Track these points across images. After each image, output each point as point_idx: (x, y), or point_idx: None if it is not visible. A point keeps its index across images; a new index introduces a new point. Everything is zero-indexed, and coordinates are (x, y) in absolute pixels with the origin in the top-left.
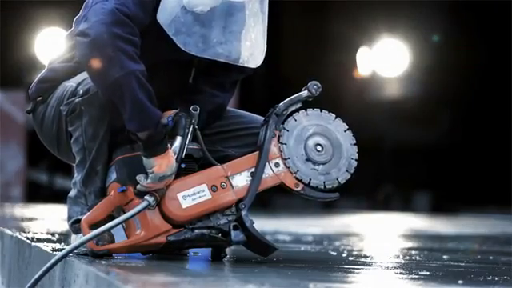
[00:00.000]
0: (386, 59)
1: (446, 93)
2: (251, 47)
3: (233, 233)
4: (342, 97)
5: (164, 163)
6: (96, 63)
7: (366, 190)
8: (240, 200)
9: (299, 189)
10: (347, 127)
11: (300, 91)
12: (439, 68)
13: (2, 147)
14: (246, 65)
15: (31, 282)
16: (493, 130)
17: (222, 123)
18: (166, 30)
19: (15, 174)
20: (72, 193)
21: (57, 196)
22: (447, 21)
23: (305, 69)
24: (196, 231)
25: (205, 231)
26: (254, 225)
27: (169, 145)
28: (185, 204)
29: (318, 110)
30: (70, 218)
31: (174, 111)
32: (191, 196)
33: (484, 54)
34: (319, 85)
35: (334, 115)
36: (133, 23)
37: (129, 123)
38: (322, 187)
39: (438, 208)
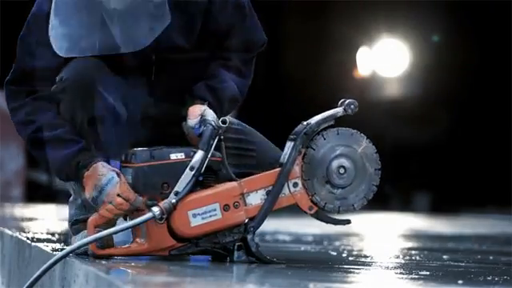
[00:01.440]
0: (386, 59)
1: (446, 93)
2: (122, 33)
3: (236, 253)
4: (342, 97)
5: (89, 185)
6: None
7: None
8: (250, 218)
9: (312, 212)
10: (375, 150)
11: (324, 105)
12: (439, 68)
13: (2, 147)
14: (123, 50)
15: (30, 281)
16: (493, 130)
17: (227, 136)
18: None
19: (15, 173)
20: (71, 197)
21: (57, 196)
22: (447, 21)
23: (305, 69)
24: (200, 246)
25: (208, 247)
26: (260, 248)
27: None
28: (194, 223)
29: (350, 129)
30: (69, 221)
31: (202, 110)
32: (201, 215)
33: (484, 53)
34: (356, 104)
35: (365, 136)
36: (31, 77)
37: None
38: (336, 212)
39: (438, 208)
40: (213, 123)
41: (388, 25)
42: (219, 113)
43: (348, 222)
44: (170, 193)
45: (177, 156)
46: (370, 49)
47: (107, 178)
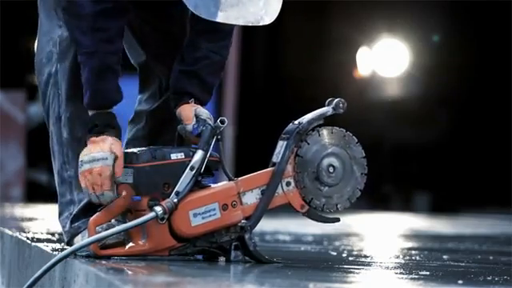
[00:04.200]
0: (386, 59)
1: (446, 93)
2: (265, 5)
3: (233, 253)
4: (342, 97)
5: (86, 149)
6: None
7: (366, 189)
8: (246, 217)
9: (304, 210)
10: (364, 155)
11: (323, 106)
12: (439, 68)
13: (2, 147)
14: (260, 24)
15: (31, 280)
16: (493, 130)
17: None
18: None
19: (15, 173)
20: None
21: (57, 196)
22: (447, 21)
23: (305, 69)
24: (198, 246)
25: (206, 247)
26: (257, 248)
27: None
28: (194, 222)
29: (344, 130)
30: (63, 227)
31: (193, 110)
32: (202, 214)
33: (484, 54)
34: (344, 101)
35: (356, 140)
36: None
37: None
38: (321, 209)
39: (438, 208)
40: (211, 123)
41: (388, 25)
42: (207, 95)
43: (337, 220)
44: (171, 193)
45: (177, 156)
46: (370, 49)
47: (105, 154)
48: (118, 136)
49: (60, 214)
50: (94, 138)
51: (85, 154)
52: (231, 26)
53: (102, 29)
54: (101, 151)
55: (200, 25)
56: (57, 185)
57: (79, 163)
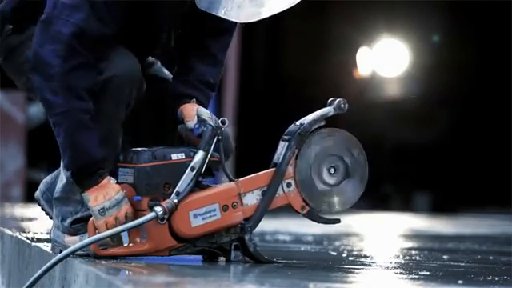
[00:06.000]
0: (386, 59)
1: (446, 93)
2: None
3: (233, 253)
4: (342, 97)
5: (100, 195)
6: None
7: (366, 189)
8: (246, 218)
9: (304, 211)
10: (367, 168)
11: (325, 106)
12: (439, 68)
13: (2, 147)
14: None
15: (31, 280)
16: (493, 130)
17: None
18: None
19: (15, 173)
20: (57, 193)
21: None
22: (447, 21)
23: (305, 68)
24: (197, 246)
25: (206, 247)
26: (257, 248)
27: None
28: (194, 223)
29: (354, 137)
30: (63, 219)
31: (195, 109)
32: (202, 215)
33: (484, 54)
34: (346, 101)
35: (362, 148)
36: (97, 43)
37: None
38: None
39: (438, 208)
40: (212, 123)
41: (388, 25)
42: (206, 104)
43: (338, 221)
44: (172, 193)
45: (178, 156)
46: (370, 49)
47: (122, 193)
48: None
49: (64, 205)
50: (104, 182)
51: (105, 200)
52: (223, 42)
53: (72, 87)
54: (118, 191)
55: (209, 48)
56: (68, 178)
57: (98, 211)
